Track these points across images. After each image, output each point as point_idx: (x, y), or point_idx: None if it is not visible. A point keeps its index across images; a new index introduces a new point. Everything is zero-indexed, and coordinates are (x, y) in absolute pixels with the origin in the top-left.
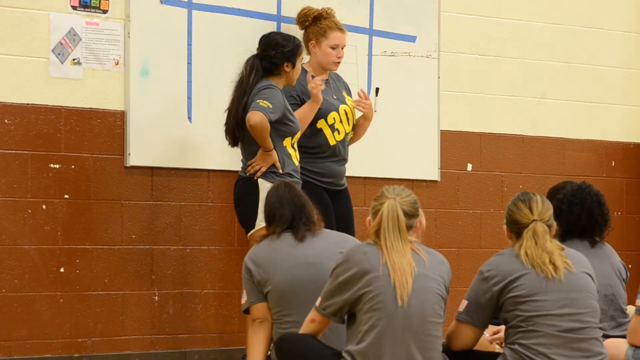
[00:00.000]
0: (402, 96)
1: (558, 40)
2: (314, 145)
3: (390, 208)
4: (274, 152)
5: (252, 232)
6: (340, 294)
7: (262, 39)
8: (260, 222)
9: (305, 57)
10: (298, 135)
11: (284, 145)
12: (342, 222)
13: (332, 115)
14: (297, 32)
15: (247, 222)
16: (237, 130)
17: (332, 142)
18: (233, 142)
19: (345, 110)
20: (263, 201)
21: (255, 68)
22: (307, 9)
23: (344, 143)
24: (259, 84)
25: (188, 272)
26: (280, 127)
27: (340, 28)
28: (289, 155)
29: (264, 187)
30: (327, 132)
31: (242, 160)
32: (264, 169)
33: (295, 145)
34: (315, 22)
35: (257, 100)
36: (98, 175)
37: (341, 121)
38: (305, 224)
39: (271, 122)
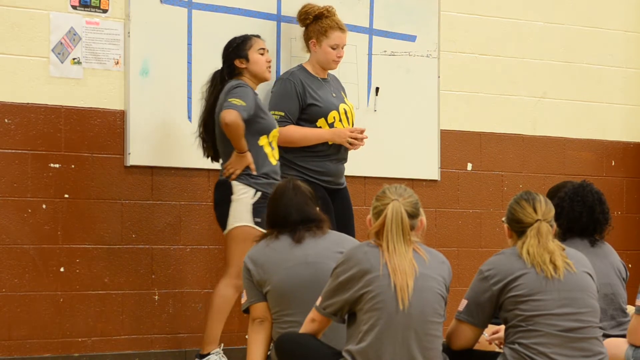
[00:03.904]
0: (402, 96)
1: (558, 40)
2: (313, 145)
3: (394, 210)
4: (248, 154)
5: (225, 231)
6: (341, 294)
7: None
8: (233, 223)
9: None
10: (275, 133)
11: (260, 144)
12: (342, 221)
13: (332, 115)
14: (297, 32)
15: (222, 223)
16: (205, 142)
17: (330, 142)
18: (206, 154)
19: (345, 109)
20: (237, 203)
21: (215, 82)
22: (308, 7)
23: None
24: (229, 83)
25: (188, 272)
26: (252, 124)
27: (341, 27)
28: (266, 156)
29: (238, 189)
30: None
31: (220, 163)
32: (238, 172)
33: (274, 144)
34: (316, 21)
35: (230, 99)
36: (98, 174)
37: (340, 120)
38: (305, 226)
39: (245, 120)
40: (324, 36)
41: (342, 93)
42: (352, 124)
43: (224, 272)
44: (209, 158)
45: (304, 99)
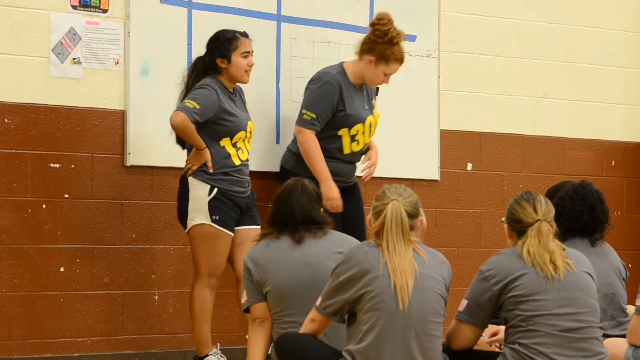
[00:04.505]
0: (402, 96)
1: (558, 40)
2: (328, 147)
3: (394, 210)
4: (207, 151)
5: (187, 229)
6: (341, 294)
7: None
8: (191, 221)
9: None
10: (242, 135)
11: (222, 145)
12: (353, 222)
13: (357, 128)
14: (297, 31)
15: (182, 218)
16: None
17: (346, 151)
18: (180, 145)
19: (370, 122)
20: (194, 201)
21: (197, 69)
22: (387, 27)
23: (359, 153)
24: (201, 81)
25: (188, 272)
26: (215, 127)
27: (402, 60)
28: (228, 155)
29: (193, 185)
30: (346, 140)
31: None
32: (194, 168)
33: (241, 144)
34: (387, 44)
35: (185, 100)
36: (98, 174)
37: (363, 133)
38: (306, 226)
39: (200, 123)
40: (385, 63)
41: (374, 100)
42: (372, 135)
43: (194, 274)
44: (180, 146)
45: (337, 106)
